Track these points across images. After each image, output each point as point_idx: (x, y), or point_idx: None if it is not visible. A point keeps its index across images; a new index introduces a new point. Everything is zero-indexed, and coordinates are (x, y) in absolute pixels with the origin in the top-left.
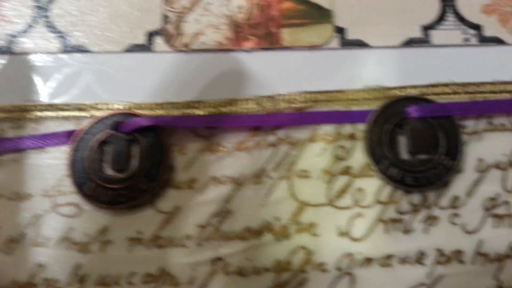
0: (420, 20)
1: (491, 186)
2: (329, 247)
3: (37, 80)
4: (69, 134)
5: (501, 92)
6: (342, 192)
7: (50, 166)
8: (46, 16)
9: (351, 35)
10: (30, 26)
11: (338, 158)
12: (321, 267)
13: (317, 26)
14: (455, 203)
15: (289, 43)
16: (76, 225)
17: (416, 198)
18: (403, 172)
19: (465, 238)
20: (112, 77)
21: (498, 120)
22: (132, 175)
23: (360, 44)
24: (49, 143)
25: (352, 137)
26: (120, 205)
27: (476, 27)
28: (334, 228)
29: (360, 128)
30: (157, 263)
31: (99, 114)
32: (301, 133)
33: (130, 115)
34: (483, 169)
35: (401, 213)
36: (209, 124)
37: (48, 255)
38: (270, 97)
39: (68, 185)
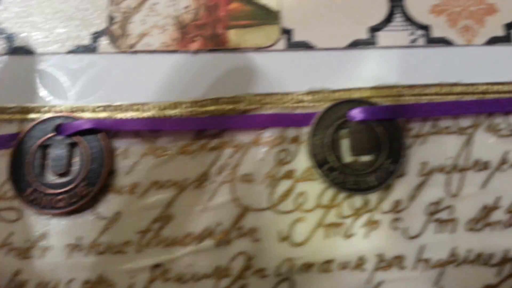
0: (368, 22)
1: (434, 190)
2: (270, 252)
3: None
4: (11, 138)
5: (447, 94)
6: (284, 196)
7: None
8: None
9: (297, 37)
10: None
11: (282, 162)
12: (261, 273)
13: (264, 27)
14: (397, 208)
15: (236, 44)
16: (16, 230)
17: (357, 202)
18: (344, 176)
19: (407, 243)
20: (56, 78)
21: (444, 123)
22: (72, 180)
23: (306, 45)
24: None
25: (295, 140)
26: (59, 210)
27: (424, 27)
28: (275, 233)
29: (304, 131)
30: (96, 269)
31: (42, 116)
32: (245, 136)
33: (71, 118)
34: (426, 173)
35: (343, 217)
36: (152, 127)
37: None
38: (215, 99)
39: (8, 189)
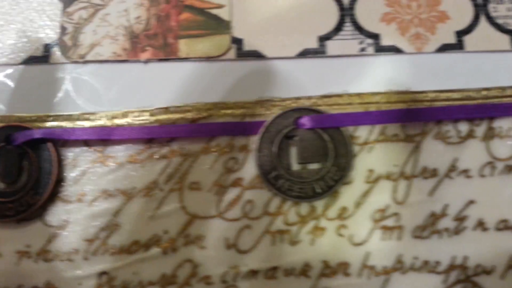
0: (318, 31)
1: (381, 197)
2: (216, 259)
3: None
4: None
5: (396, 102)
6: (232, 204)
7: None
8: None
9: (248, 46)
10: None
11: (230, 170)
12: (206, 280)
13: (215, 37)
14: (343, 215)
15: (186, 54)
16: None
17: (304, 209)
18: (291, 183)
19: (352, 250)
20: (9, 89)
21: (391, 131)
22: (20, 189)
23: (256, 55)
24: None
25: (244, 148)
26: (8, 219)
27: (374, 36)
28: (222, 240)
29: (253, 139)
30: (45, 276)
31: None
32: (194, 145)
33: (21, 128)
34: (373, 180)
35: (289, 224)
36: (101, 137)
37: None
38: (165, 108)
39: None
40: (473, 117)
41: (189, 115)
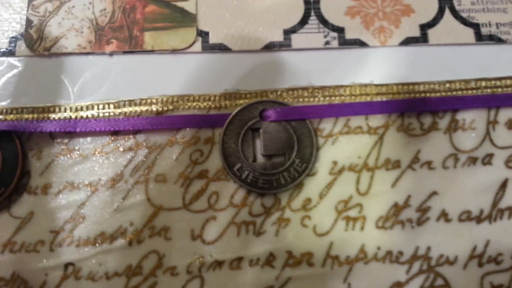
0: (283, 24)
1: (344, 188)
2: (181, 250)
3: None
4: None
5: (360, 95)
6: (197, 195)
7: None
8: None
9: (214, 39)
10: None
11: (195, 162)
12: (172, 271)
13: (181, 29)
14: (307, 206)
15: (152, 47)
16: None
17: (268, 200)
18: (256, 175)
19: (316, 240)
20: None
21: (355, 123)
22: None
23: (222, 48)
24: None
25: (209, 141)
26: None
27: (339, 29)
28: (187, 231)
29: (218, 132)
30: (11, 267)
31: None
32: (159, 137)
33: None
34: (337, 172)
35: (254, 215)
36: (65, 129)
37: None
38: (130, 101)
39: None
40: (436, 109)
41: (154, 108)
